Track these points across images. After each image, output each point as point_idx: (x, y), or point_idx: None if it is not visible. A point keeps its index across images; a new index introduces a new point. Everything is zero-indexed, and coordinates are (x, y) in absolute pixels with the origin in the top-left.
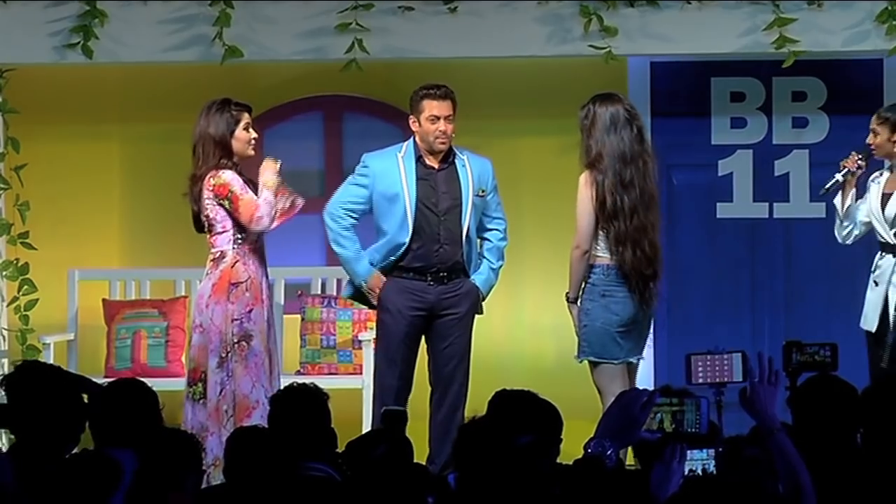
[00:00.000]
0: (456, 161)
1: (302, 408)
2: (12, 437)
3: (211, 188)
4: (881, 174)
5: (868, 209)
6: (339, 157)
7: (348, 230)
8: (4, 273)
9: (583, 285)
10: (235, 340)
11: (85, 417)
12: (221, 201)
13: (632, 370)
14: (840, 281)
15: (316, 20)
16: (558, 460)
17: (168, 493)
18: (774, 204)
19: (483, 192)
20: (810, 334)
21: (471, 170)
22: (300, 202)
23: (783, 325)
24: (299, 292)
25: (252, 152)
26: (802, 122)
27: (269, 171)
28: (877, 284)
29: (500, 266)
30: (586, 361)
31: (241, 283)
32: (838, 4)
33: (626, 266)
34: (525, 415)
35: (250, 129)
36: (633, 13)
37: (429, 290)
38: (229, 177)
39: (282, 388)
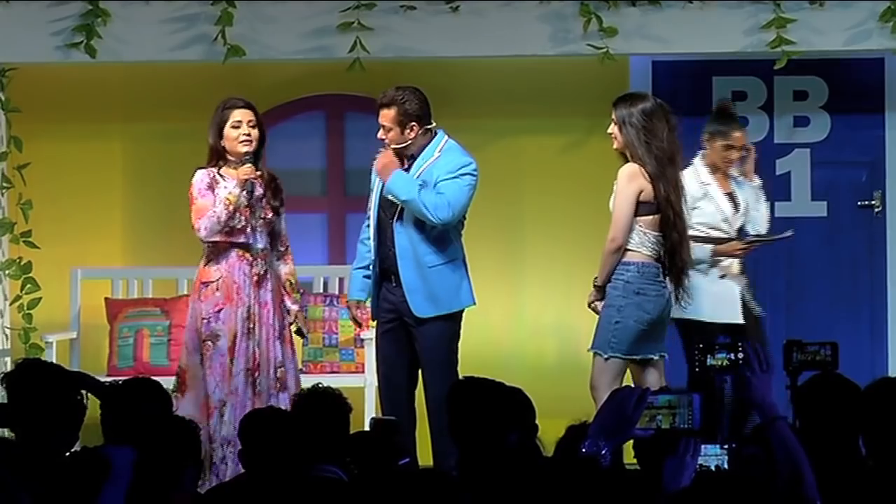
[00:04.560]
0: (416, 162)
1: (324, 412)
2: (13, 435)
3: None
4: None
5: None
6: (342, 156)
7: (363, 244)
8: (7, 272)
9: (614, 282)
10: (203, 339)
11: (83, 415)
12: (188, 201)
13: (657, 364)
14: (841, 280)
15: (318, 19)
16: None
17: (170, 491)
18: (776, 203)
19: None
20: (811, 333)
21: (426, 168)
22: (248, 231)
23: (784, 324)
24: (301, 291)
25: (244, 149)
26: (804, 121)
27: (238, 185)
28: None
29: (428, 202)
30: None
31: (212, 282)
32: (839, 4)
33: (679, 266)
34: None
35: (242, 126)
36: (634, 12)
37: (394, 292)
38: (195, 179)
39: (306, 387)
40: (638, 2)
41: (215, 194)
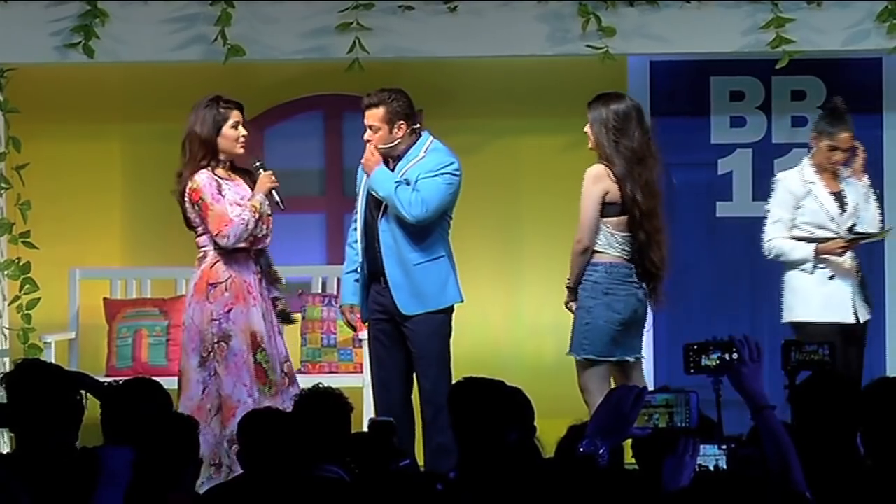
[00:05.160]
0: (401, 163)
1: (325, 412)
2: (13, 435)
3: (189, 191)
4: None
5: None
6: (340, 156)
7: (352, 247)
8: (6, 272)
9: (584, 283)
10: (215, 341)
11: (82, 415)
12: (195, 205)
13: (634, 368)
14: None
15: (317, 19)
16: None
17: (168, 491)
18: None
19: (407, 182)
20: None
21: (410, 167)
22: (268, 241)
23: (782, 324)
24: (300, 291)
25: (241, 150)
26: (802, 121)
27: (260, 193)
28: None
29: (403, 198)
30: (573, 359)
31: (221, 282)
32: (837, 4)
33: (648, 268)
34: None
35: (239, 127)
36: (632, 12)
37: (383, 293)
38: (202, 182)
39: (307, 388)
40: (636, 2)
41: (223, 197)
